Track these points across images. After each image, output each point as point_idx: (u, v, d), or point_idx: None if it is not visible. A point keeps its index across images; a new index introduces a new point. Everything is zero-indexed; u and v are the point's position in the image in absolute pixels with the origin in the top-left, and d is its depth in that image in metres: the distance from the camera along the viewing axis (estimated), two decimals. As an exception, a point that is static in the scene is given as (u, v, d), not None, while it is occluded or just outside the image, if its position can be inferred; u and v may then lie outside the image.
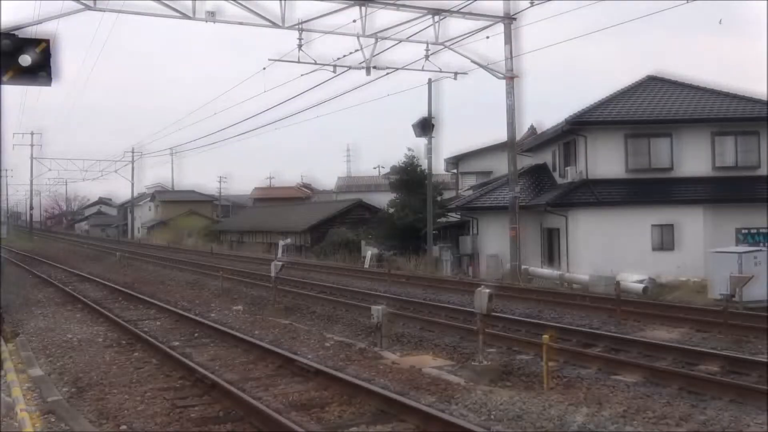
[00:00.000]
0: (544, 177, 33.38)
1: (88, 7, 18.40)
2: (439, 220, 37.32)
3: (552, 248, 29.82)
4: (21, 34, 10.61)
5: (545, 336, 9.26)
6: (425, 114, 33.77)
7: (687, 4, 18.57)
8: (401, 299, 18.28)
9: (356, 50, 22.21)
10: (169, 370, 10.37)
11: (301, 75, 23.60)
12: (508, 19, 23.75)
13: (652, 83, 31.72)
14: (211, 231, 70.02)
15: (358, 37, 21.63)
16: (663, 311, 15.13)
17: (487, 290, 9.45)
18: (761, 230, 26.66)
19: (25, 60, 10.09)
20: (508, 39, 23.84)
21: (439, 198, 39.95)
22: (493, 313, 12.10)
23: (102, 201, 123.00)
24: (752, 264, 17.07)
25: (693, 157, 28.27)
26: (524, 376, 9.59)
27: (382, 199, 50.28)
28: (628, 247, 25.83)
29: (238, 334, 12.82)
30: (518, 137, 30.64)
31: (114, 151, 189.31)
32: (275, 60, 22.91)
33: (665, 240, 26.97)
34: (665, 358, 10.51)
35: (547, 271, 25.77)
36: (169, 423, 7.62)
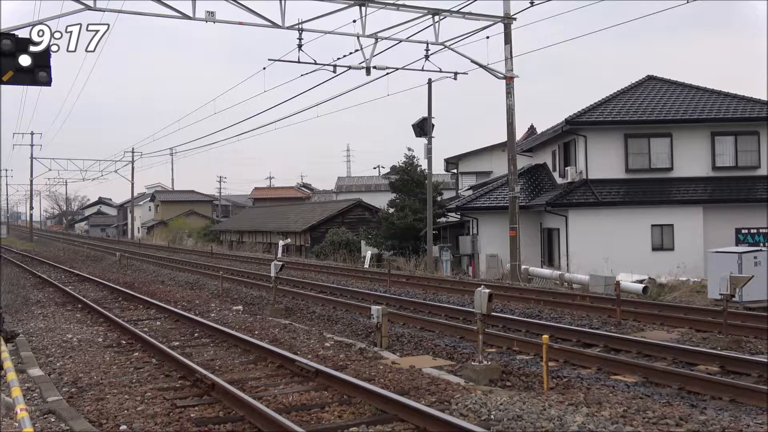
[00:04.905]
0: (544, 177, 33.44)
1: (88, 7, 18.40)
2: (438, 220, 37.36)
3: (551, 248, 29.85)
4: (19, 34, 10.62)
5: (545, 336, 9.27)
6: (425, 114, 33.79)
7: (687, 4, 18.59)
8: (401, 299, 18.29)
9: (356, 50, 22.27)
10: (168, 370, 10.38)
11: (301, 75, 23.75)
12: (508, 19, 23.77)
13: (652, 83, 31.79)
14: (211, 231, 70.04)
15: (357, 38, 21.65)
16: (662, 311, 15.13)
17: (487, 290, 9.44)
18: (761, 230, 26.69)
19: (25, 60, 10.11)
20: (508, 39, 23.86)
21: (438, 198, 39.98)
22: (493, 313, 12.12)
23: (101, 201, 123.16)
24: (752, 264, 17.08)
25: (692, 157, 28.35)
26: (524, 376, 9.59)
27: (382, 200, 50.30)
28: (628, 247, 25.89)
29: (237, 334, 12.81)
30: (518, 137, 30.68)
31: (114, 151, 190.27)
32: (275, 60, 22.97)
33: (665, 240, 27.03)
34: (665, 358, 10.52)
35: (546, 271, 25.78)
36: (169, 423, 7.63)
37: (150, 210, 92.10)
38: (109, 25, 12.30)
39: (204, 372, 9.36)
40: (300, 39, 20.90)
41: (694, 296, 19.24)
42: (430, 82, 32.40)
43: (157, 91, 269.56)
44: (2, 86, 10.56)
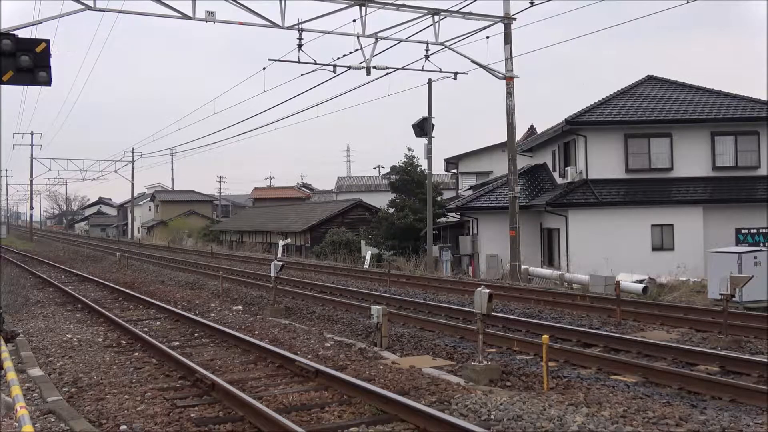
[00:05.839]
0: (544, 177, 33.44)
1: (88, 7, 18.41)
2: (438, 220, 37.36)
3: (551, 248, 29.86)
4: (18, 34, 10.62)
5: (545, 336, 9.26)
6: (425, 114, 33.79)
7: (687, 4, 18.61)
8: (401, 299, 18.29)
9: (356, 50, 22.28)
10: (168, 370, 10.38)
11: (301, 75, 23.76)
12: (508, 19, 23.77)
13: (652, 83, 31.80)
14: (211, 231, 70.05)
15: (357, 37, 21.65)
16: (662, 311, 15.13)
17: (487, 290, 9.44)
18: (761, 230, 26.69)
19: (25, 60, 10.12)
20: (508, 39, 23.86)
21: (438, 198, 39.99)
22: (493, 313, 12.11)
23: (101, 201, 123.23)
24: (752, 264, 17.09)
25: (692, 157, 28.35)
26: (524, 376, 9.59)
27: (382, 200, 50.31)
28: (628, 247, 25.90)
29: (237, 334, 12.81)
30: (518, 137, 30.68)
31: (114, 151, 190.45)
32: (275, 60, 22.97)
33: (665, 240, 27.03)
34: (665, 358, 10.52)
35: (546, 271, 25.79)
36: (169, 423, 7.62)
37: (150, 210, 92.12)
38: (109, 25, 12.30)
39: (204, 372, 9.36)
40: (300, 39, 20.93)
41: (694, 296, 19.23)
42: (430, 82, 32.45)
43: (157, 91, 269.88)
44: (2, 86, 10.56)
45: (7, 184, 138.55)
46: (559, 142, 31.29)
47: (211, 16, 19.67)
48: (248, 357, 11.27)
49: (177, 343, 12.86)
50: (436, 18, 21.90)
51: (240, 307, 18.13)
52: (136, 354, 11.83)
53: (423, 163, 39.74)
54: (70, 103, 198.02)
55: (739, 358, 10.06)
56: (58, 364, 11.02)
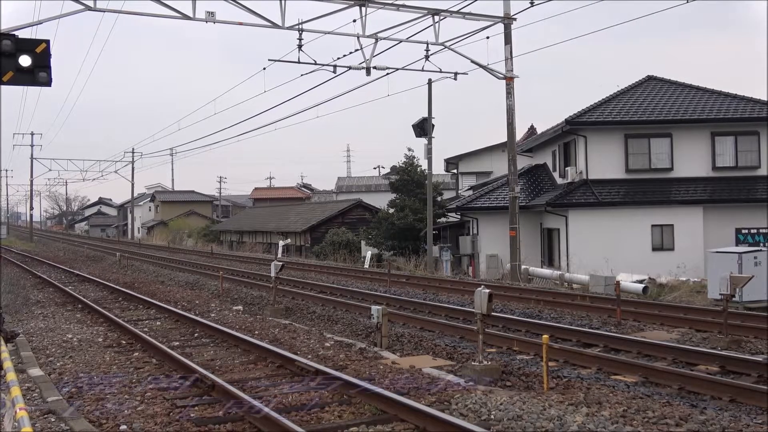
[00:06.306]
0: (544, 177, 33.45)
1: (88, 8, 18.41)
2: (438, 220, 37.36)
3: (552, 248, 29.86)
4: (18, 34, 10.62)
5: (545, 336, 9.27)
6: (425, 114, 33.79)
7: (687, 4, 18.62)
8: (401, 299, 18.29)
9: (356, 50, 22.27)
10: (168, 370, 10.38)
11: (302, 75, 23.77)
12: (508, 19, 23.77)
13: (652, 83, 31.81)
14: (211, 231, 70.05)
15: (357, 38, 21.66)
16: (662, 311, 15.14)
17: (487, 290, 9.44)
18: (761, 230, 26.70)
19: (25, 60, 10.12)
20: (508, 39, 23.87)
21: (438, 198, 39.99)
22: (493, 313, 12.12)
23: (102, 201, 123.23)
24: (752, 264, 17.09)
25: (693, 158, 28.37)
26: (524, 376, 9.59)
27: (382, 200, 50.31)
28: (628, 248, 25.92)
29: (237, 334, 12.81)
30: (518, 138, 30.69)
31: (114, 151, 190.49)
32: (275, 60, 22.98)
33: (665, 240, 27.05)
34: (665, 358, 10.52)
35: (546, 271, 25.78)
36: (169, 423, 7.63)
37: (150, 210, 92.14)
38: (109, 25, 12.30)
39: (204, 372, 9.36)
40: (300, 39, 20.92)
41: (694, 296, 19.24)
42: (430, 82, 32.44)
43: (157, 91, 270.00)
44: (2, 86, 10.57)
45: (7, 185, 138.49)
46: (559, 143, 31.29)
47: (211, 17, 19.67)
48: (248, 357, 11.27)
49: (177, 343, 12.87)
50: (436, 18, 21.90)
51: (240, 307, 18.13)
52: (136, 354, 11.83)
53: (423, 164, 39.77)
54: (70, 103, 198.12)
55: (739, 358, 10.07)
56: (58, 364, 11.02)
